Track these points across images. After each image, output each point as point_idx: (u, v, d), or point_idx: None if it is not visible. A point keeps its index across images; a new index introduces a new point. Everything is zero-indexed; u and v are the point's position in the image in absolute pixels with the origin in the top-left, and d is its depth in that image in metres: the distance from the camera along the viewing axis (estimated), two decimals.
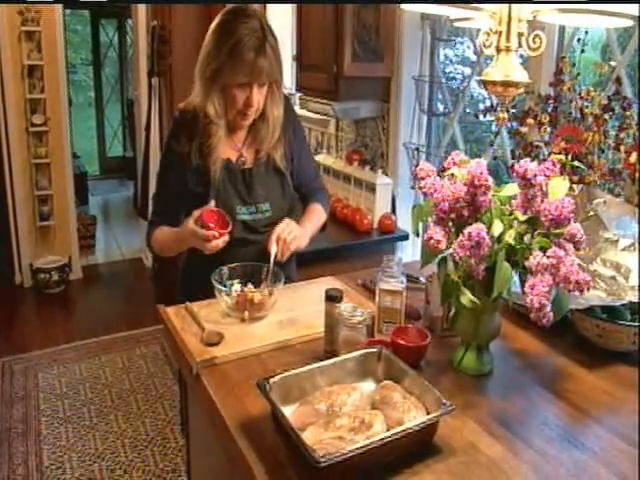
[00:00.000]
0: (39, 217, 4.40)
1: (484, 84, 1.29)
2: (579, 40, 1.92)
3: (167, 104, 4.18)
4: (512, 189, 1.21)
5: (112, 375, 3.30)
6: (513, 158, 2.04)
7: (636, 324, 1.32)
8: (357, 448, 0.94)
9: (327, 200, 1.92)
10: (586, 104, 1.81)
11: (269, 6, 3.74)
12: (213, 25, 1.63)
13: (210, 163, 1.66)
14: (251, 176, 1.71)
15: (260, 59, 1.53)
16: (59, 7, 4.19)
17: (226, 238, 1.56)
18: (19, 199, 4.33)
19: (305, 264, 1.94)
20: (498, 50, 1.26)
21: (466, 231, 1.11)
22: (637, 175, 1.60)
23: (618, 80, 1.83)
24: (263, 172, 1.72)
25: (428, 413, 1.05)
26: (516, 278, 1.25)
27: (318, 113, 3.04)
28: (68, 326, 3.94)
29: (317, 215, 1.83)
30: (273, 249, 1.59)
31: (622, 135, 1.71)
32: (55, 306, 4.25)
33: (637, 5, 1.15)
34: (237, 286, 1.53)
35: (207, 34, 1.63)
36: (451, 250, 1.16)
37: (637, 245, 1.42)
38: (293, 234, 1.63)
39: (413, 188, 2.84)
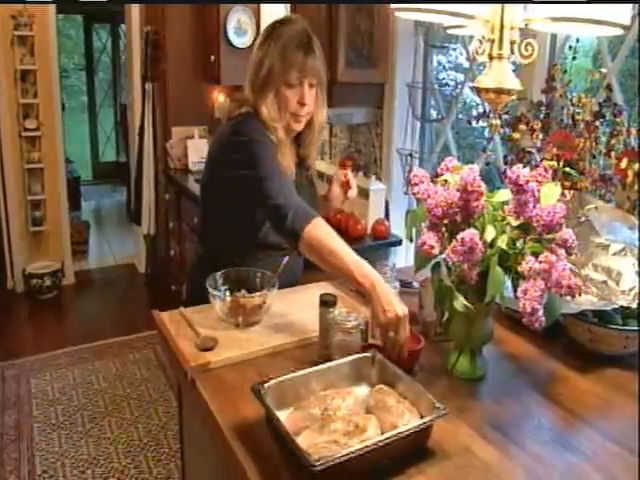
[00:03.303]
0: (32, 222, 4.38)
1: (477, 91, 1.30)
2: (570, 47, 1.94)
3: (161, 109, 4.19)
4: (505, 195, 1.23)
5: (105, 381, 3.29)
6: (505, 164, 2.05)
7: (627, 328, 1.33)
8: (351, 452, 0.94)
9: None
10: (577, 111, 1.83)
11: (263, 13, 3.76)
12: (260, 38, 1.66)
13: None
14: (297, 188, 1.68)
15: (309, 58, 1.59)
16: (52, 11, 4.18)
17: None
18: (11, 204, 4.31)
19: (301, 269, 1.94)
20: (491, 58, 1.27)
21: (459, 236, 1.12)
22: (627, 180, 1.62)
23: (609, 87, 1.86)
24: (303, 183, 1.75)
25: (422, 417, 1.06)
26: (509, 283, 1.26)
27: None
28: (61, 332, 3.92)
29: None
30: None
31: (613, 141, 1.73)
32: (48, 311, 4.23)
33: (627, 14, 1.16)
34: (229, 291, 1.53)
35: (254, 49, 1.66)
36: (444, 255, 1.17)
37: (631, 251, 1.44)
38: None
39: (406, 194, 2.85)
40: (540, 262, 1.09)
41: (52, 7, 4.19)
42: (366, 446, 0.96)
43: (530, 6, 1.23)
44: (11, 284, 4.46)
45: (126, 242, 5.45)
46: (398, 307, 1.27)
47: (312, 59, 1.60)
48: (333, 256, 1.40)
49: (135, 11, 4.41)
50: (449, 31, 1.52)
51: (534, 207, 1.15)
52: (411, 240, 1.31)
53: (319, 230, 1.44)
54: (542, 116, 1.94)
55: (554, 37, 2.12)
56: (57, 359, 3.50)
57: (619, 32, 1.23)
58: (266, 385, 1.11)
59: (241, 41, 3.70)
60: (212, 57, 3.77)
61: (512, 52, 1.26)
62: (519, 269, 1.12)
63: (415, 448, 1.04)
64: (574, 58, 1.93)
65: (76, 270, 4.79)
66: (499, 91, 1.26)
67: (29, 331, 3.95)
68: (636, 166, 1.61)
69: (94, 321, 4.09)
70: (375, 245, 2.72)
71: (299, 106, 1.62)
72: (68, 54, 8.69)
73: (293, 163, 1.71)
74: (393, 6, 1.31)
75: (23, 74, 4.13)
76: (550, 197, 1.18)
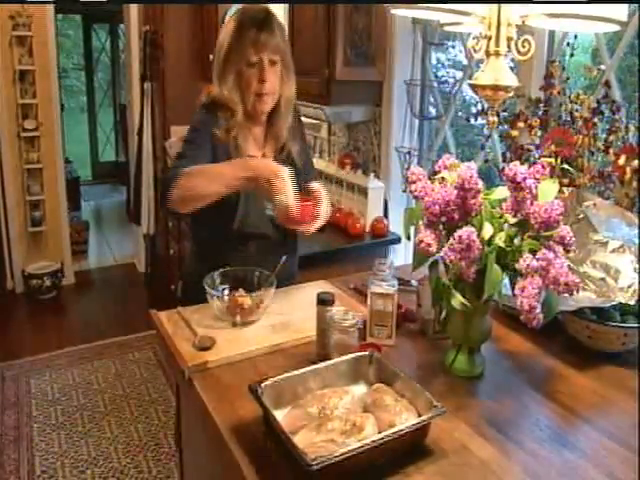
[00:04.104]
0: (31, 223, 4.38)
1: (474, 88, 1.30)
2: (568, 44, 1.94)
3: (159, 108, 4.18)
4: (502, 192, 1.22)
5: (105, 381, 3.29)
6: (504, 161, 2.05)
7: (626, 325, 1.33)
8: (349, 451, 0.94)
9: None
10: (576, 107, 1.82)
11: None
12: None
13: (239, 155, 1.65)
14: None
15: (264, 34, 1.59)
16: (51, 11, 4.18)
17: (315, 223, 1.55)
18: (11, 205, 4.31)
19: (298, 268, 1.94)
20: (488, 54, 1.27)
21: (456, 234, 1.12)
22: (625, 177, 1.61)
23: (607, 83, 1.85)
24: None
25: (420, 415, 1.06)
26: (506, 280, 1.25)
27: (310, 117, 3.04)
28: (60, 332, 3.92)
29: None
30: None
31: (611, 138, 1.72)
32: (47, 312, 4.23)
33: (624, 10, 1.16)
34: (229, 290, 1.53)
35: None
36: (442, 253, 1.16)
37: (629, 248, 1.43)
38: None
39: (405, 191, 2.84)
40: (538, 259, 1.09)
41: (51, 7, 4.19)
42: (363, 445, 0.95)
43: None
44: (11, 284, 4.46)
45: (126, 242, 5.45)
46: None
47: (268, 35, 1.60)
48: (208, 181, 1.47)
49: (134, 11, 4.41)
50: (446, 28, 1.52)
51: (532, 204, 1.15)
52: (408, 238, 1.31)
53: (187, 177, 1.47)
54: (540, 113, 1.93)
55: (552, 34, 2.11)
56: (57, 359, 3.50)
57: (616, 28, 1.23)
58: (263, 384, 1.10)
59: None
60: (210, 56, 3.75)
61: (509, 49, 1.26)
62: (517, 266, 1.12)
63: (413, 446, 1.04)
64: (572, 55, 1.92)
65: (76, 270, 4.79)
66: (496, 88, 1.26)
67: (29, 331, 3.95)
68: (634, 163, 1.61)
69: (94, 321, 4.08)
70: (374, 243, 2.72)
71: (260, 84, 1.62)
72: (67, 54, 8.69)
73: (271, 149, 1.74)
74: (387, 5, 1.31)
75: (22, 74, 4.13)
76: (548, 194, 1.17)
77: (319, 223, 1.58)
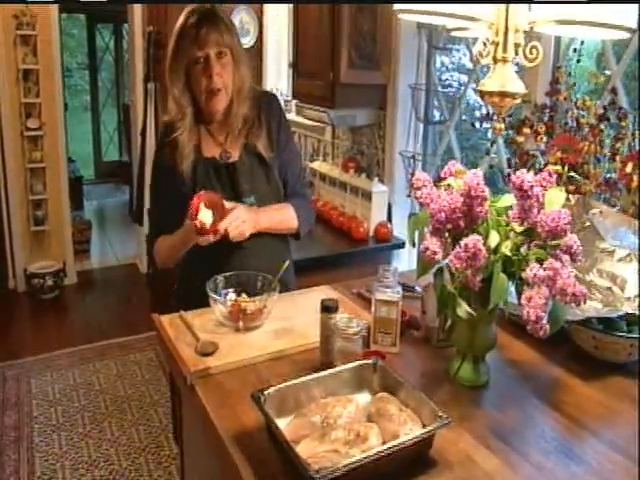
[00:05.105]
0: (33, 222, 4.38)
1: (480, 94, 1.28)
2: (575, 50, 1.93)
3: (163, 109, 4.17)
4: (509, 200, 1.21)
5: (106, 382, 3.28)
6: (509, 167, 2.04)
7: (632, 335, 1.31)
8: (352, 462, 0.93)
9: (307, 209, 1.82)
10: (582, 113, 1.81)
11: (265, 13, 3.74)
12: None
13: (183, 159, 1.66)
14: (235, 170, 1.70)
15: (205, 29, 1.58)
16: (55, 11, 4.17)
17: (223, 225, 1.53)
18: (13, 204, 4.31)
19: (301, 272, 1.93)
20: (495, 60, 1.25)
21: (462, 242, 1.11)
22: (632, 185, 1.60)
23: (614, 90, 1.84)
24: (248, 165, 1.71)
25: (424, 425, 1.04)
26: (512, 289, 1.24)
27: (314, 120, 3.04)
28: (62, 332, 3.91)
29: (281, 211, 1.75)
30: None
31: (618, 145, 1.71)
32: (49, 311, 4.22)
33: (634, 17, 1.15)
34: (232, 295, 1.52)
35: None
36: (447, 261, 1.15)
37: (636, 257, 1.42)
38: (239, 227, 1.58)
39: (409, 196, 2.83)
40: (545, 269, 1.08)
41: (55, 6, 4.18)
42: (367, 456, 0.94)
43: (535, 9, 1.21)
44: (13, 284, 4.46)
45: (128, 242, 5.44)
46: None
47: (210, 30, 1.58)
48: (170, 249, 1.73)
49: (137, 11, 4.40)
50: (453, 33, 1.50)
51: (538, 213, 1.14)
52: (414, 245, 1.30)
53: (158, 248, 1.78)
54: (546, 119, 1.93)
55: (558, 39, 2.10)
56: (58, 359, 3.50)
57: (626, 36, 1.22)
58: (266, 392, 1.09)
59: (243, 41, 3.68)
60: None
61: (516, 54, 1.25)
62: (523, 276, 1.11)
63: (417, 457, 1.03)
64: (579, 60, 1.91)
65: (78, 270, 4.79)
66: (503, 94, 1.24)
67: (30, 331, 3.94)
68: None
69: (95, 321, 4.08)
70: (378, 248, 2.71)
71: (209, 79, 1.60)
72: (71, 53, 8.69)
73: (232, 145, 1.72)
74: (397, 7, 1.29)
75: (25, 73, 4.13)
76: (555, 202, 1.16)
77: (216, 237, 1.57)
